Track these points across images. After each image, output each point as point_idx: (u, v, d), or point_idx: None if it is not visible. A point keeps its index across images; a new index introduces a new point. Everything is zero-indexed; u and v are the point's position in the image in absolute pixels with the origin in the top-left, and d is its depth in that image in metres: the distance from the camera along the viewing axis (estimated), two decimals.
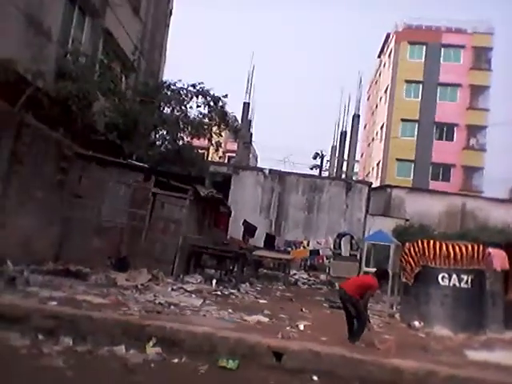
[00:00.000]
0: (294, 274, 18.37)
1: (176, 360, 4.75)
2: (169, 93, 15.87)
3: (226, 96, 16.34)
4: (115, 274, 10.01)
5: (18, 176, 9.03)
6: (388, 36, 43.73)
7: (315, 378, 4.99)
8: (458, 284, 9.70)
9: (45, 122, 9.86)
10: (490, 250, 10.02)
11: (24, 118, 9.05)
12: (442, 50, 39.42)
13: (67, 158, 10.84)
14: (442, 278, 9.80)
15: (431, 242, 10.34)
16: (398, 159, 37.65)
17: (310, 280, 18.00)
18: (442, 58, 39.37)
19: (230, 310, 8.11)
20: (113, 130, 13.14)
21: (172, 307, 7.61)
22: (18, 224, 9.18)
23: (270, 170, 24.54)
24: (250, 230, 19.51)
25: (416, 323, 9.51)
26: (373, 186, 26.31)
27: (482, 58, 39.68)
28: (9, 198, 8.86)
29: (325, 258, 19.02)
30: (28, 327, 4.81)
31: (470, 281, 9.67)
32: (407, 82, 39.24)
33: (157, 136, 16.24)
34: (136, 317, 6.02)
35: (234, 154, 36.45)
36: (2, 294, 6.27)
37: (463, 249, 9.93)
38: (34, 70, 9.60)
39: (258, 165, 41.41)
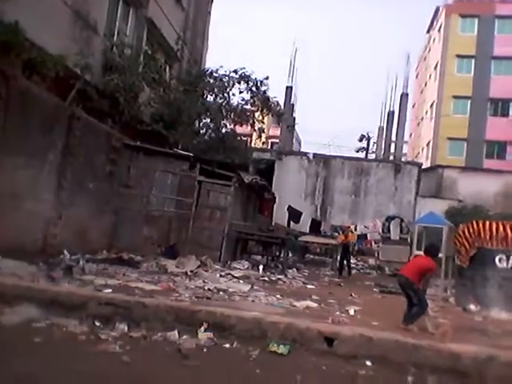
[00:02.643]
0: None
1: (227, 345, 4.79)
2: (211, 80, 15.93)
3: (267, 78, 16.21)
4: (165, 261, 10.26)
5: (71, 168, 9.38)
6: (437, 10, 41.68)
7: (368, 363, 4.89)
8: None
9: (94, 115, 10.16)
10: None
11: (75, 112, 9.35)
12: (496, 21, 37.12)
13: (116, 149, 11.14)
14: (500, 259, 9.50)
15: (487, 222, 10.00)
16: (449, 138, 36.07)
17: (358, 265, 17.76)
18: (495, 30, 37.11)
19: (278, 296, 8.12)
20: (158, 120, 13.38)
21: (221, 293, 7.71)
22: (73, 215, 9.56)
23: (315, 155, 24.24)
24: (295, 215, 19.45)
25: (472, 307, 9.24)
26: (423, 166, 25.44)
27: None
28: (64, 190, 9.23)
29: (373, 243, 18.68)
30: (85, 314, 4.99)
31: None
32: (458, 56, 37.34)
33: (200, 124, 16.39)
34: (187, 303, 6.13)
35: (277, 140, 36.19)
36: (60, 282, 6.58)
37: None
38: (83, 63, 9.86)
39: (302, 149, 40.94)
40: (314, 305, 7.74)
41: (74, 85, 9.50)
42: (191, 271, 9.56)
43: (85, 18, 10.68)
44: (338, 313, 7.20)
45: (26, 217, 8.18)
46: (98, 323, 4.91)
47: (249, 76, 15.93)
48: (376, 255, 17.23)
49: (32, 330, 4.57)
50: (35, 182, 8.42)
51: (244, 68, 15.89)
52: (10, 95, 7.46)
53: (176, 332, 4.86)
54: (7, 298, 5.13)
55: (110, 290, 6.29)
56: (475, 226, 9.90)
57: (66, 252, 8.66)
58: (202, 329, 4.92)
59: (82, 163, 9.77)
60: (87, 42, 10.84)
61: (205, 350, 4.61)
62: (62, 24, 9.85)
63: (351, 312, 7.45)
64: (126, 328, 4.83)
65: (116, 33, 12.65)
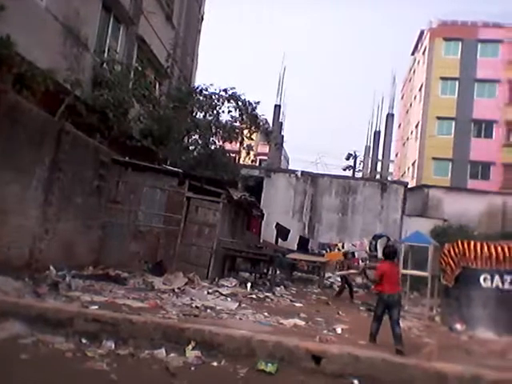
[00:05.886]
0: (329, 277, 18.16)
1: (215, 363, 4.76)
2: (201, 98, 16.08)
3: (258, 103, 16.52)
4: (152, 277, 10.19)
5: (58, 183, 9.31)
6: (422, 33, 42.82)
7: (356, 381, 4.89)
8: (501, 285, 9.47)
9: (83, 130, 10.15)
10: None
11: (64, 126, 9.33)
12: (479, 45, 38.24)
13: (105, 164, 11.11)
14: (484, 279, 9.62)
15: (472, 242, 10.15)
16: (434, 158, 36.73)
17: None
18: (478, 54, 38.20)
19: (265, 314, 8.11)
20: (147, 136, 13.41)
21: (208, 311, 7.68)
22: (60, 230, 9.46)
23: (302, 172, 24.40)
24: (282, 232, 19.47)
25: (458, 326, 9.31)
26: (409, 186, 25.79)
27: None
28: (50, 205, 9.14)
29: (360, 261, 18.74)
30: (72, 331, 4.91)
31: None
32: (443, 79, 38.27)
33: (189, 141, 16.46)
34: (174, 320, 6.09)
35: (265, 157, 36.41)
36: (46, 298, 6.49)
37: (506, 249, 9.69)
38: (73, 79, 9.91)
39: (290, 167, 41.20)
40: (302, 323, 7.74)
41: (63, 100, 9.52)
42: (178, 288, 9.50)
43: (76, 34, 10.76)
44: (325, 331, 7.22)
45: (12, 232, 8.07)
46: (84, 340, 4.83)
47: (239, 96, 16.14)
48: (363, 274, 17.24)
49: (18, 346, 4.49)
50: (22, 197, 8.33)
51: (234, 88, 16.12)
52: None
53: (163, 350, 4.81)
54: None
55: (97, 307, 6.22)
56: (460, 245, 10.03)
57: (52, 267, 8.55)
58: (190, 347, 4.88)
59: (70, 178, 9.71)
60: (77, 57, 10.90)
61: (192, 368, 4.57)
62: (52, 40, 9.90)
63: (338, 330, 7.47)
64: (113, 345, 4.77)
65: (107, 49, 12.75)
